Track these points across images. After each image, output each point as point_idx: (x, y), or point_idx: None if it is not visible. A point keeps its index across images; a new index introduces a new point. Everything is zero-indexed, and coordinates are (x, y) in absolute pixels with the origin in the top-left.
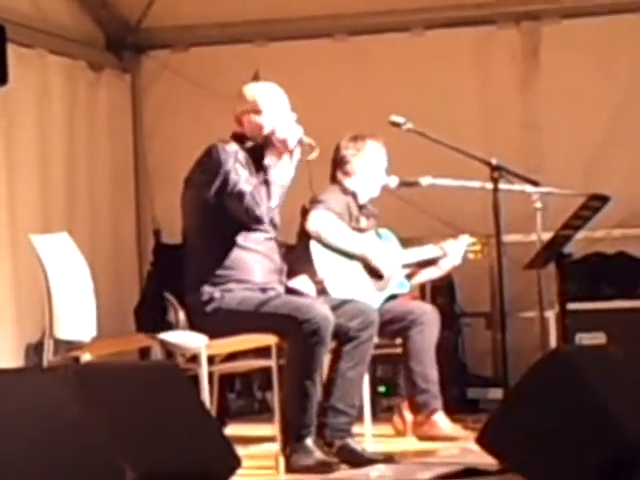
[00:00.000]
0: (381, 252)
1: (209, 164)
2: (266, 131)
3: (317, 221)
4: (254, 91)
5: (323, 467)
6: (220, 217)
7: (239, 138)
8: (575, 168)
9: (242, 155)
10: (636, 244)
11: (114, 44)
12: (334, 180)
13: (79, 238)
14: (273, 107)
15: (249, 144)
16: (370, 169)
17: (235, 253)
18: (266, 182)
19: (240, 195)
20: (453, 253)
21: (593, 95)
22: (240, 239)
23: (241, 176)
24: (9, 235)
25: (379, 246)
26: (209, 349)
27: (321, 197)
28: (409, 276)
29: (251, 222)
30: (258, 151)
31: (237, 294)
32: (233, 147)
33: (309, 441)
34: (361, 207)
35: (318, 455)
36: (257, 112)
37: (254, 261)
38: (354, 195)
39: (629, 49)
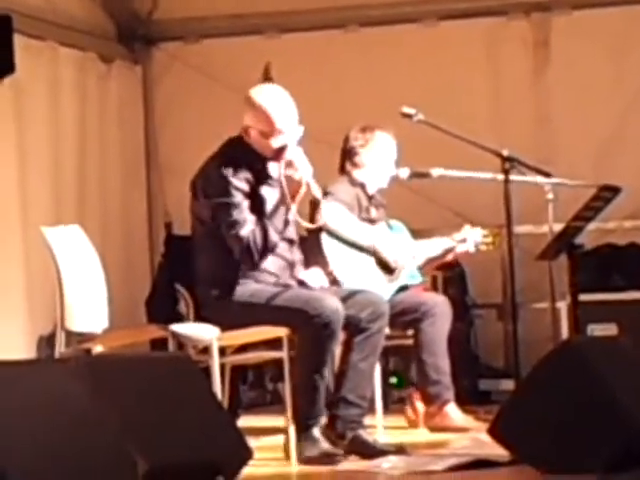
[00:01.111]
0: (391, 244)
1: (211, 185)
2: (275, 149)
3: (326, 213)
4: (266, 106)
5: (328, 458)
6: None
7: (245, 145)
8: (586, 159)
9: (244, 172)
10: None
11: (125, 36)
12: (343, 171)
13: (90, 230)
14: (287, 127)
15: (255, 154)
16: (379, 160)
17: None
18: (265, 230)
19: (237, 238)
20: (469, 239)
21: (604, 86)
22: (248, 259)
23: (239, 215)
24: (21, 227)
25: (390, 238)
26: (221, 341)
27: (330, 189)
28: (421, 268)
29: (244, 264)
30: (262, 162)
31: (248, 287)
32: (241, 167)
33: (315, 431)
34: (370, 198)
35: (324, 445)
36: (269, 133)
37: (266, 262)
38: (363, 186)
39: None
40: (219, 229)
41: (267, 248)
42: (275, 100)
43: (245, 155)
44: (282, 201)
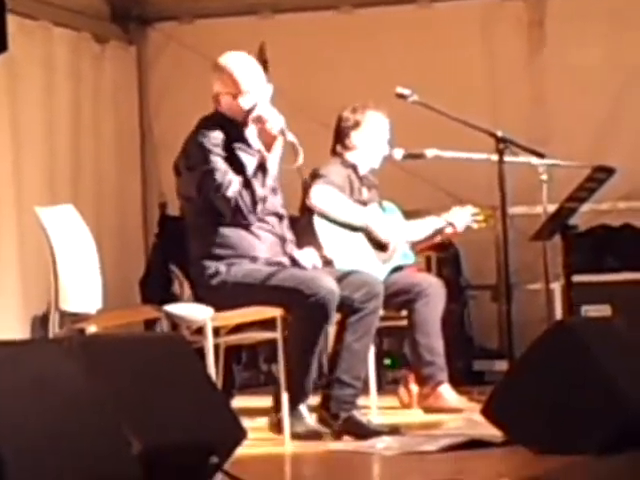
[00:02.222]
0: (384, 224)
1: (191, 157)
2: (250, 115)
3: (319, 196)
4: (231, 68)
5: (314, 435)
6: (212, 205)
7: (220, 117)
8: (581, 140)
9: (222, 140)
10: None
11: (119, 16)
12: (334, 152)
13: (85, 210)
14: (251, 84)
15: (231, 124)
16: (371, 141)
17: (236, 231)
18: (262, 166)
19: (226, 200)
20: (457, 220)
21: (599, 67)
22: (240, 218)
23: (224, 177)
24: (15, 207)
25: (382, 218)
26: (215, 321)
27: (321, 171)
28: (414, 247)
29: (236, 222)
30: (239, 132)
31: (243, 267)
32: (216, 134)
33: (302, 408)
34: (362, 178)
35: (309, 422)
36: (236, 94)
37: (256, 238)
38: (354, 167)
39: (636, 19)
40: (206, 200)
41: (255, 202)
42: (238, 62)
43: (220, 126)
44: (262, 164)
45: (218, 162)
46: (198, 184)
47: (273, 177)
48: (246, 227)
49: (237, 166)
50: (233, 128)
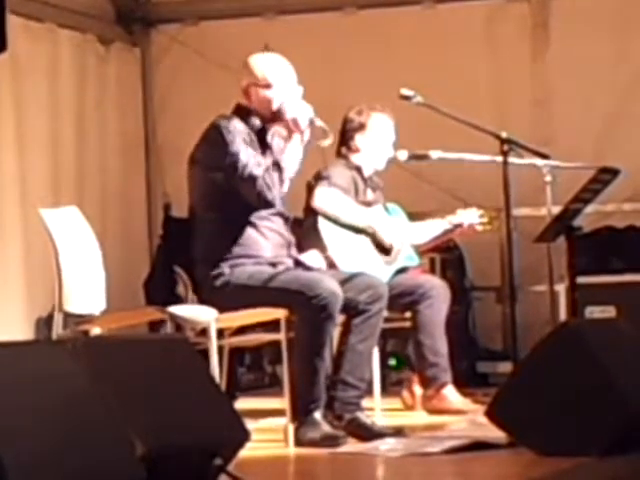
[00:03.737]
0: (389, 226)
1: (215, 144)
2: (275, 106)
3: (322, 198)
4: (262, 63)
5: (330, 440)
6: (228, 196)
7: (242, 112)
8: (585, 141)
9: (246, 132)
10: None
11: (124, 18)
12: (339, 154)
13: (89, 212)
14: (282, 81)
15: (253, 120)
16: (375, 143)
17: (243, 229)
18: (277, 165)
19: (252, 179)
20: (462, 222)
21: (603, 68)
22: (248, 217)
23: (250, 157)
24: (20, 209)
25: (387, 220)
26: (219, 323)
27: (325, 173)
28: (418, 249)
29: (262, 206)
30: (261, 128)
31: (246, 269)
32: (237, 124)
33: (317, 415)
34: (366, 180)
35: (325, 428)
36: (266, 86)
37: (263, 237)
38: (359, 169)
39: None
40: (229, 180)
41: (282, 180)
42: (270, 59)
43: (241, 117)
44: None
45: (241, 145)
46: (223, 165)
47: (290, 174)
48: (253, 225)
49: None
50: (254, 124)
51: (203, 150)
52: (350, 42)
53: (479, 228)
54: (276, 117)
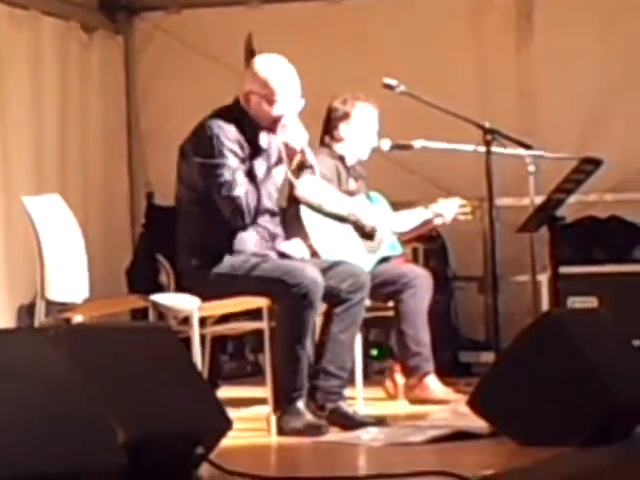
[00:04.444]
0: (371, 214)
1: (202, 149)
2: (274, 117)
3: (305, 187)
4: (270, 75)
5: (313, 430)
6: (211, 196)
7: (238, 112)
8: (568, 132)
9: (237, 139)
10: (628, 208)
11: (107, 5)
12: (322, 143)
13: (71, 200)
14: (287, 98)
15: (248, 122)
16: (359, 133)
17: (227, 224)
18: (256, 186)
19: (230, 199)
20: (445, 211)
21: (587, 59)
22: (239, 221)
23: (233, 175)
24: (2, 196)
25: (370, 208)
26: (201, 311)
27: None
28: (401, 238)
29: (233, 225)
30: (254, 131)
31: (229, 258)
32: (229, 130)
33: (300, 404)
34: (349, 169)
35: (308, 418)
36: (270, 99)
37: (247, 232)
38: (342, 158)
39: (625, 12)
40: (208, 191)
41: (258, 211)
42: (278, 69)
43: (239, 121)
44: (269, 170)
45: (230, 158)
46: (204, 174)
47: (276, 186)
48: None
49: (248, 168)
50: (249, 126)
51: (192, 149)
52: (334, 31)
53: (461, 218)
54: (271, 127)
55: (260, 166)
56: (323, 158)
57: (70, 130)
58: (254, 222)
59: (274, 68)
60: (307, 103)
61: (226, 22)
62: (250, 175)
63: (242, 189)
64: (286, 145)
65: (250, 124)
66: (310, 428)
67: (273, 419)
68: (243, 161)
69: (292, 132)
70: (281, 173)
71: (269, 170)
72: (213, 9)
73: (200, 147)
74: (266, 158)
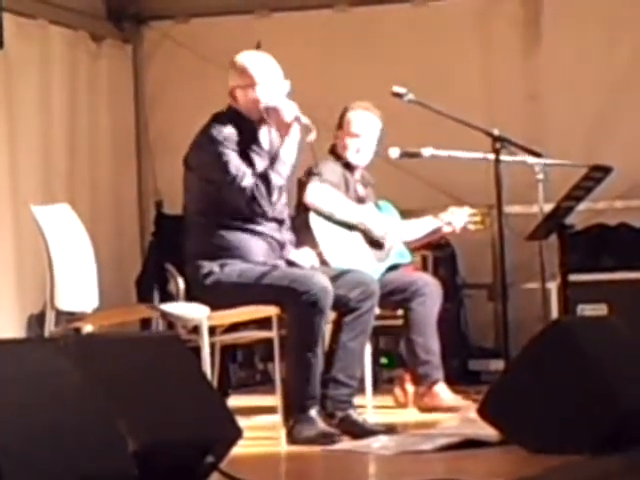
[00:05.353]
0: (380, 221)
1: (206, 154)
2: (262, 105)
3: (315, 194)
4: (245, 63)
5: (325, 438)
6: (220, 203)
7: (233, 115)
8: (577, 139)
9: (237, 140)
10: (638, 215)
11: (115, 14)
12: (331, 151)
13: (81, 209)
14: (267, 79)
15: (245, 122)
16: (359, 140)
17: (235, 234)
18: (266, 178)
19: (241, 191)
20: (455, 220)
21: (595, 65)
22: (239, 222)
23: (239, 169)
24: (11, 206)
25: (379, 216)
26: (210, 320)
27: (316, 169)
28: (409, 246)
29: (253, 215)
30: (253, 131)
31: (236, 266)
32: (228, 132)
33: (313, 412)
34: (356, 175)
35: (321, 426)
36: (251, 86)
37: (255, 242)
38: (348, 165)
39: (632, 18)
40: (220, 192)
41: (271, 192)
42: (253, 57)
43: (233, 122)
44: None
45: (231, 155)
46: (211, 178)
47: (291, 166)
48: (245, 230)
49: (247, 164)
50: (246, 126)
51: (195, 157)
52: (342, 39)
53: (471, 227)
54: (264, 118)
55: (260, 163)
56: (331, 165)
57: (79, 139)
58: (260, 226)
59: (249, 57)
60: (316, 111)
61: (234, 31)
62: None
63: (250, 179)
64: (279, 123)
65: (246, 124)
66: (323, 437)
67: (282, 431)
68: (245, 158)
69: (281, 105)
70: (293, 153)
71: (274, 159)
72: (221, 18)
73: (202, 153)
74: (268, 157)
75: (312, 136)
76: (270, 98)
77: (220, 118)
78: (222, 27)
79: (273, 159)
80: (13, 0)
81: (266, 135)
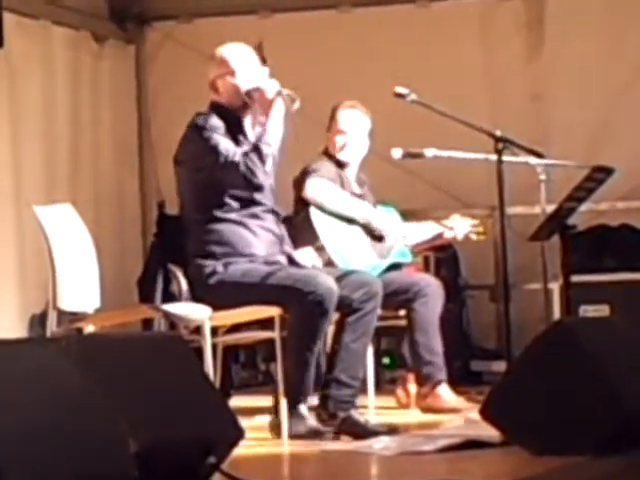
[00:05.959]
0: (381, 217)
1: (194, 142)
2: (243, 89)
3: (314, 188)
4: (225, 53)
5: (315, 435)
6: (215, 196)
7: (217, 108)
8: (580, 140)
9: (223, 128)
10: None
11: (118, 15)
12: (324, 152)
13: (83, 209)
14: (244, 65)
15: (229, 113)
16: (343, 136)
17: (234, 229)
18: (256, 148)
19: (234, 165)
20: (457, 227)
21: (598, 66)
22: (237, 216)
23: (229, 147)
24: (13, 206)
25: (378, 212)
26: (212, 320)
27: (312, 167)
28: (411, 249)
29: (250, 190)
30: (238, 122)
31: (240, 266)
32: (213, 121)
33: (303, 408)
34: (350, 174)
35: (311, 422)
36: (230, 74)
37: (254, 235)
38: (339, 163)
39: (635, 20)
40: (212, 176)
41: (264, 161)
42: (229, 47)
43: (219, 116)
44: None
45: (219, 138)
46: (204, 165)
47: (279, 139)
48: (243, 224)
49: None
50: (230, 119)
51: (184, 150)
52: (345, 40)
53: (474, 237)
54: (247, 104)
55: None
56: (325, 163)
57: (81, 139)
58: (258, 218)
59: (225, 48)
60: (317, 111)
61: (237, 31)
62: None
63: (239, 154)
64: (263, 102)
65: (230, 116)
66: (313, 433)
67: (285, 427)
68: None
69: (263, 85)
70: (280, 128)
71: (257, 149)
72: (224, 18)
73: (190, 144)
74: (251, 145)
75: (297, 105)
76: (250, 82)
77: (203, 115)
78: (225, 27)
79: (260, 136)
80: (16, 0)
81: (250, 126)
